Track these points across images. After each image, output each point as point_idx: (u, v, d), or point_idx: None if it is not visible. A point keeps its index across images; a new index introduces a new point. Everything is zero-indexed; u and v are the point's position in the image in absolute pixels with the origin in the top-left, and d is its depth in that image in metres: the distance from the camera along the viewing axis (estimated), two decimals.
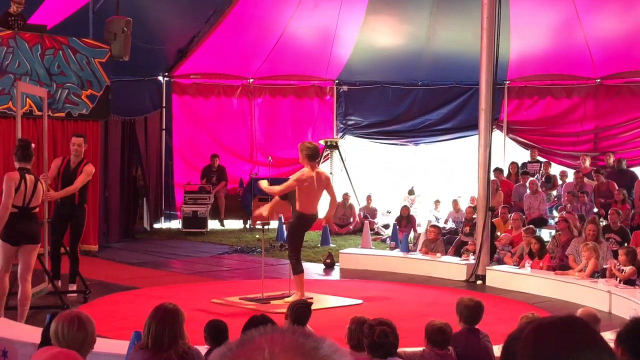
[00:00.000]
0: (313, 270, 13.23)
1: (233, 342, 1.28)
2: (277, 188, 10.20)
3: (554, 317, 1.86)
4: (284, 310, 6.47)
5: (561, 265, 11.57)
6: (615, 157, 17.10)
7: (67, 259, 10.56)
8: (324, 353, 1.25)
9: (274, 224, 16.82)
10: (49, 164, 10.48)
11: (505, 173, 17.58)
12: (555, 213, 15.92)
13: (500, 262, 12.48)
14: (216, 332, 5.42)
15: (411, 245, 14.01)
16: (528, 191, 15.83)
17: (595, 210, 15.20)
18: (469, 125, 17.46)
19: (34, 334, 7.25)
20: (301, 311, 6.22)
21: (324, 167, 18.80)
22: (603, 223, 13.33)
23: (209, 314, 8.92)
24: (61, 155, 11.02)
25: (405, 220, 16.23)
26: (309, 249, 15.38)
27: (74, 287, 10.53)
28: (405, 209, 16.70)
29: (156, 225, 18.07)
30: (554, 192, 17.13)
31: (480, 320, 6.14)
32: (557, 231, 12.91)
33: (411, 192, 18.62)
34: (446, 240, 13.92)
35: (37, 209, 8.57)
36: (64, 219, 10.43)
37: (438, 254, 13.01)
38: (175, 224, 18.15)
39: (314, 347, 1.25)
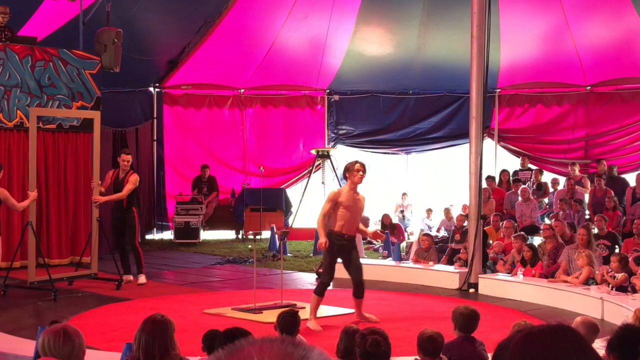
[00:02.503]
0: (305, 279, 13.23)
1: (222, 352, 1.28)
2: None
3: (542, 326, 1.86)
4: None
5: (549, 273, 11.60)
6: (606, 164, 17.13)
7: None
8: None
9: (265, 234, 16.82)
10: (102, 175, 12.52)
11: (497, 181, 17.60)
12: (547, 220, 15.93)
13: (492, 268, 12.50)
14: (214, 343, 5.40)
15: (403, 254, 14.01)
16: (520, 199, 15.85)
17: (588, 217, 15.23)
18: (460, 134, 17.48)
19: (27, 346, 7.23)
20: (288, 321, 6.22)
21: (315, 177, 18.83)
22: (595, 230, 13.35)
23: (201, 325, 8.91)
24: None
25: (390, 228, 16.09)
26: (301, 258, 15.38)
27: (142, 278, 12.38)
28: (386, 217, 16.67)
29: (148, 236, 18.03)
30: (546, 200, 17.15)
31: (476, 328, 6.14)
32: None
33: (404, 200, 18.62)
34: (439, 249, 13.92)
35: None
36: (118, 221, 12.38)
37: (430, 263, 13.01)
38: (168, 235, 18.12)
39: (303, 355, 1.25)
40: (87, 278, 12.19)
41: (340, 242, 9.57)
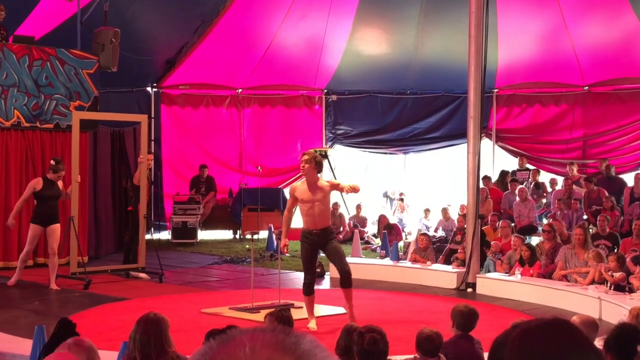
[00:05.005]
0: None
1: (214, 341, 1.29)
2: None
3: (539, 321, 1.85)
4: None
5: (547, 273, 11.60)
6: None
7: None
8: (305, 348, 1.26)
9: (263, 234, 16.81)
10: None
11: (494, 180, 17.59)
12: (544, 220, 15.92)
13: (491, 268, 12.50)
14: None
15: (401, 253, 14.01)
16: (517, 199, 15.84)
17: (585, 217, 15.23)
18: (458, 134, 17.46)
19: (24, 345, 7.23)
20: (282, 320, 6.22)
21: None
22: (592, 230, 13.35)
23: (198, 325, 8.91)
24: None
25: (387, 229, 16.04)
26: (299, 258, 15.30)
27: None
28: (383, 217, 16.65)
29: (146, 236, 17.98)
30: (544, 200, 17.15)
31: (474, 327, 6.14)
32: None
33: (401, 200, 18.64)
34: (436, 249, 13.92)
35: None
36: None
37: (428, 262, 13.02)
38: (165, 235, 18.09)
39: (295, 342, 1.26)
40: (136, 271, 13.01)
41: (310, 239, 9.43)
